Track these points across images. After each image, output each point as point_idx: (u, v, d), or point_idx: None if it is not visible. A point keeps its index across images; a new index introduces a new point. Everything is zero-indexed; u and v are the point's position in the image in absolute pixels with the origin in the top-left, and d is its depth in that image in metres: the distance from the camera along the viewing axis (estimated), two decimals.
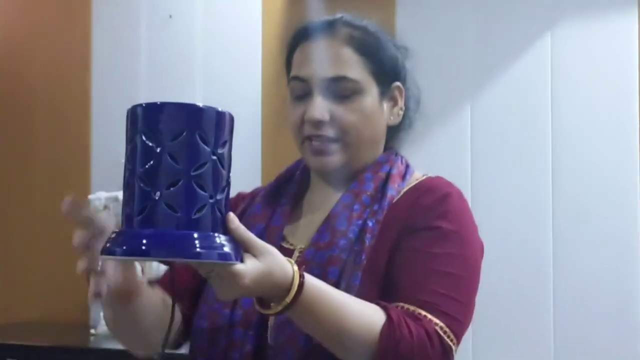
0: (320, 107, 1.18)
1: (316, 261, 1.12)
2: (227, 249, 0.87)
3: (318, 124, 1.18)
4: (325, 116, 1.18)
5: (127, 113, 0.89)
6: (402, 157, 1.27)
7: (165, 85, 2.58)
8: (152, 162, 0.85)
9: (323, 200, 1.23)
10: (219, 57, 2.55)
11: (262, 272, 0.92)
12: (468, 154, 2.25)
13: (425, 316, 1.05)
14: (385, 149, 1.26)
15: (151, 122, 0.85)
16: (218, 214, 0.88)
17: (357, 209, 1.17)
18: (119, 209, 2.38)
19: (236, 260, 0.88)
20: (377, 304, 1.05)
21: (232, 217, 0.90)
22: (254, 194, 1.32)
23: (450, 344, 1.05)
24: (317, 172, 1.24)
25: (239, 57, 2.53)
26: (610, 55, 2.15)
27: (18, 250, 2.75)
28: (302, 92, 1.20)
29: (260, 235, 1.19)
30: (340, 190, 1.22)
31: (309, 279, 0.98)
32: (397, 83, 1.26)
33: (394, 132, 1.28)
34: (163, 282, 1.23)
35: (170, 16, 2.59)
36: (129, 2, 2.64)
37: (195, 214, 0.85)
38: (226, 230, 0.90)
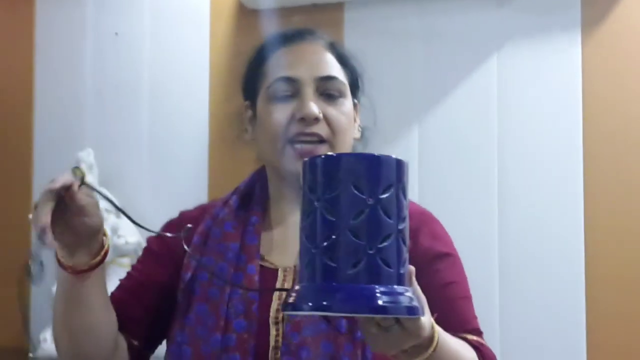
0: (315, 104, 1.16)
1: None
2: (416, 303, 0.84)
3: (312, 120, 1.15)
4: (320, 114, 1.16)
5: (324, 161, 0.84)
6: None
7: (111, 104, 2.54)
8: (364, 216, 0.81)
9: (291, 213, 1.21)
10: (166, 75, 2.51)
11: (430, 325, 0.90)
12: (416, 175, 2.25)
13: (482, 343, 1.11)
14: None
15: (363, 173, 0.82)
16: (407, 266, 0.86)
17: None
18: None
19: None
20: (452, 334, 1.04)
21: (413, 270, 0.87)
22: (207, 211, 1.26)
23: None
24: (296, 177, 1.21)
25: (187, 76, 2.50)
26: (554, 76, 2.19)
27: None
28: (288, 92, 1.17)
29: (237, 255, 1.15)
30: None
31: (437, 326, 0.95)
32: (355, 100, 1.26)
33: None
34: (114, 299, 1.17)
35: (116, 34, 2.55)
36: (73, 19, 2.59)
37: (401, 269, 0.83)
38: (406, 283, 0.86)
